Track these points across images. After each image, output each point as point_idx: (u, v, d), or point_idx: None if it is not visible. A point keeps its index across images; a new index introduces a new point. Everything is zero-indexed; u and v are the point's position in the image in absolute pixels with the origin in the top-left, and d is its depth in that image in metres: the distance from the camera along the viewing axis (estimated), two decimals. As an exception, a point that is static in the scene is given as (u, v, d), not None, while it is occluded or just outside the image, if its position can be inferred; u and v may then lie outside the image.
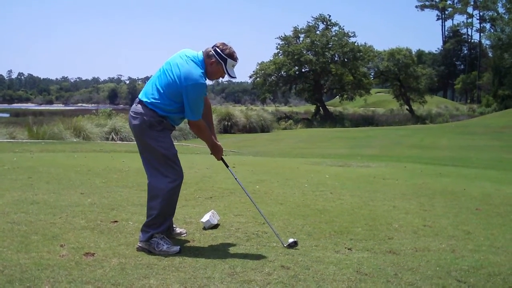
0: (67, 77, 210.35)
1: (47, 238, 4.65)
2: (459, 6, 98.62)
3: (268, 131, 39.50)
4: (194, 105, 4.56)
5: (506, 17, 64.33)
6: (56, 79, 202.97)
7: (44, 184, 7.54)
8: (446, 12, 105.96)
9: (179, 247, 4.49)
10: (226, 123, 37.11)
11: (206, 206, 6.38)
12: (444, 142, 25.71)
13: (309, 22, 58.88)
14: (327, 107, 60.14)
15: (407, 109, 62.33)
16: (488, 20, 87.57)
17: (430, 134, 32.01)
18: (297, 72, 56.31)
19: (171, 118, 4.66)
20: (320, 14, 58.89)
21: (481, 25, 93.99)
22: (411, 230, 5.46)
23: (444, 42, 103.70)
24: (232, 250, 4.56)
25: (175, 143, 5.00)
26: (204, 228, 5.27)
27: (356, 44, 56.32)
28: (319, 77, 57.27)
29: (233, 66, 4.71)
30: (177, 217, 5.40)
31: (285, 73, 55.83)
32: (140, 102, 4.65)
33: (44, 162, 10.30)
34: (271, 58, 57.73)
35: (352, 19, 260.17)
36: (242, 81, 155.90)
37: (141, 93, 4.73)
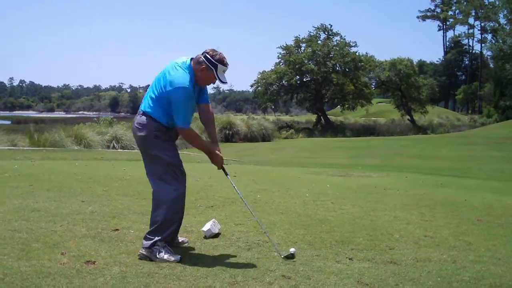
0: (68, 84, 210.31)
1: (48, 246, 4.64)
2: (461, 17, 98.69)
3: (269, 140, 39.54)
4: (180, 110, 4.58)
5: (508, 28, 64.38)
6: (58, 86, 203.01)
7: (45, 191, 7.54)
8: (448, 23, 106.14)
9: (180, 256, 4.50)
10: (227, 132, 37.17)
11: (207, 215, 6.38)
12: (445, 153, 25.69)
13: (310, 31, 59.05)
14: (328, 116, 60.16)
15: (408, 119, 62.26)
16: (489, 31, 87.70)
17: (431, 144, 32.00)
18: (298, 82, 56.40)
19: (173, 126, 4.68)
20: (321, 24, 59.11)
21: (483, 35, 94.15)
22: (412, 240, 5.46)
23: (446, 53, 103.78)
24: (233, 259, 4.55)
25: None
26: (205, 237, 5.26)
27: (357, 54, 56.41)
28: (320, 86, 57.30)
29: (224, 71, 4.72)
30: (178, 226, 5.40)
31: (286, 82, 55.91)
32: (144, 113, 4.67)
33: (45, 169, 10.30)
34: (273, 67, 57.80)
35: (354, 29, 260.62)
36: (244, 90, 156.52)
37: (142, 104, 4.76)
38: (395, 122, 63.66)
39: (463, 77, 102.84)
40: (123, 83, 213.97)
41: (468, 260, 4.75)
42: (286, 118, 74.25)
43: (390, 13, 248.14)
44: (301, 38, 58.28)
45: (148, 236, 4.59)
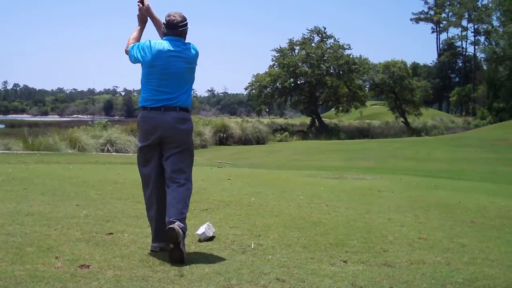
0: (62, 88, 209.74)
1: (42, 250, 4.63)
2: (454, 19, 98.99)
3: (263, 143, 39.49)
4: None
5: (501, 30, 64.58)
6: (52, 90, 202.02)
7: (39, 195, 7.53)
8: (441, 25, 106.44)
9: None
10: (221, 135, 37.11)
11: (201, 218, 6.37)
12: (439, 155, 25.75)
13: (304, 34, 59.06)
14: (322, 119, 60.21)
15: (402, 121, 62.36)
16: (482, 33, 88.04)
17: (425, 146, 32.05)
18: (292, 84, 56.45)
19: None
20: (315, 27, 59.08)
21: (476, 38, 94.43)
22: (406, 242, 5.47)
23: (439, 55, 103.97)
24: (227, 262, 4.55)
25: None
26: (200, 240, 5.26)
27: (351, 56, 56.46)
28: (315, 89, 57.36)
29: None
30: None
31: (280, 85, 55.92)
32: (181, 108, 4.86)
33: (39, 173, 10.27)
34: (267, 70, 57.84)
35: (347, 31, 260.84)
36: (238, 92, 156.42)
37: (169, 101, 4.86)
38: (389, 124, 63.77)
39: (457, 79, 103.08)
40: (117, 87, 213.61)
41: (462, 262, 4.76)
42: (280, 120, 74.32)
43: (383, 16, 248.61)
44: (295, 41, 58.31)
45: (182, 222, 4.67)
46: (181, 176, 4.79)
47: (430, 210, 7.60)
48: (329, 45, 57.51)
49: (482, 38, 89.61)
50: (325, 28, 59.00)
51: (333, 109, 63.86)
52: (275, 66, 57.33)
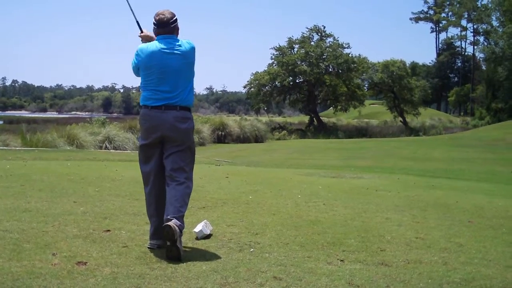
0: (61, 84, 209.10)
1: (39, 246, 4.64)
2: (453, 19, 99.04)
3: (261, 141, 39.48)
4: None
5: (500, 30, 64.67)
6: (50, 86, 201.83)
7: (37, 192, 7.53)
8: (440, 25, 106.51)
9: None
10: (220, 132, 37.07)
11: (198, 216, 6.37)
12: (437, 154, 25.76)
13: (303, 33, 59.11)
14: (321, 118, 60.22)
15: (400, 121, 62.40)
16: (482, 33, 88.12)
17: (423, 146, 32.08)
18: (291, 83, 56.42)
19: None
20: (314, 25, 59.18)
21: (475, 38, 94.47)
22: (404, 242, 5.47)
23: (438, 55, 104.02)
24: (224, 260, 4.55)
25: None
26: (197, 238, 5.27)
27: (350, 55, 56.49)
28: (313, 87, 57.37)
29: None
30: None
31: (279, 84, 55.89)
32: (182, 107, 4.87)
33: (37, 170, 10.27)
34: (266, 69, 57.82)
35: (347, 30, 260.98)
36: (236, 91, 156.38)
37: (168, 100, 4.86)
38: (388, 123, 63.84)
39: (456, 79, 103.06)
40: (116, 83, 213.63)
41: (459, 261, 4.77)
42: (279, 119, 74.31)
43: (383, 15, 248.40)
44: (294, 39, 58.34)
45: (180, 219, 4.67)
46: (181, 175, 4.80)
47: (427, 209, 7.60)
48: (328, 44, 57.57)
49: (481, 38, 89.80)
50: (324, 27, 59.17)
51: (331, 108, 63.87)
52: (274, 65, 57.33)
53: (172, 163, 4.81)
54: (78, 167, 11.53)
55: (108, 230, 5.41)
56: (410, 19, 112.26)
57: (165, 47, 4.82)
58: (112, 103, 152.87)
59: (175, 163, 4.81)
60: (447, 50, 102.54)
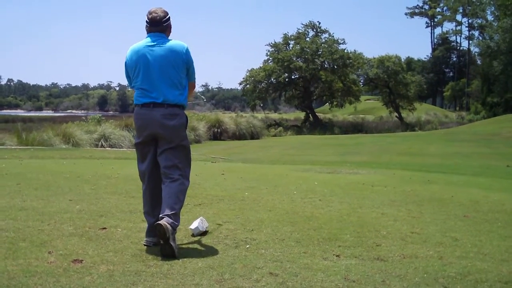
0: (56, 83, 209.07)
1: (35, 244, 4.63)
2: (448, 14, 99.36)
3: (257, 138, 39.50)
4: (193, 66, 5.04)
5: (495, 25, 64.66)
6: (46, 85, 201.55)
7: (33, 190, 7.52)
8: (435, 20, 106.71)
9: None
10: (215, 130, 37.08)
11: (195, 213, 6.38)
12: (433, 149, 25.80)
13: (299, 29, 59.14)
14: (316, 114, 60.24)
15: (396, 116, 62.48)
16: (477, 28, 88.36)
17: (419, 141, 32.13)
18: (286, 79, 56.51)
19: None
20: (310, 21, 59.20)
21: (470, 32, 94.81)
22: (399, 237, 5.48)
23: (433, 50, 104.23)
24: (220, 257, 4.56)
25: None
26: (193, 235, 5.27)
27: (345, 51, 56.52)
28: (309, 84, 57.43)
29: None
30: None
31: (275, 80, 55.90)
32: (169, 105, 4.84)
33: (33, 168, 10.26)
34: (261, 65, 57.83)
35: (342, 25, 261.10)
36: (232, 87, 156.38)
37: (156, 98, 4.85)
38: (383, 119, 63.96)
39: (451, 74, 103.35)
40: (111, 82, 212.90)
41: (454, 256, 4.78)
42: (274, 115, 74.46)
43: (378, 10, 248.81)
44: (289, 35, 58.38)
45: (172, 218, 4.65)
46: (175, 172, 4.79)
47: (423, 204, 7.61)
48: (323, 40, 57.57)
49: (476, 33, 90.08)
50: (319, 23, 59.26)
51: (327, 104, 63.92)
52: (269, 61, 57.35)
53: (165, 161, 4.81)
54: (74, 165, 11.53)
55: (104, 228, 5.41)
56: (405, 14, 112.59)
57: (150, 42, 4.82)
58: (107, 101, 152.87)
59: (168, 160, 4.80)
60: (442, 45, 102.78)
